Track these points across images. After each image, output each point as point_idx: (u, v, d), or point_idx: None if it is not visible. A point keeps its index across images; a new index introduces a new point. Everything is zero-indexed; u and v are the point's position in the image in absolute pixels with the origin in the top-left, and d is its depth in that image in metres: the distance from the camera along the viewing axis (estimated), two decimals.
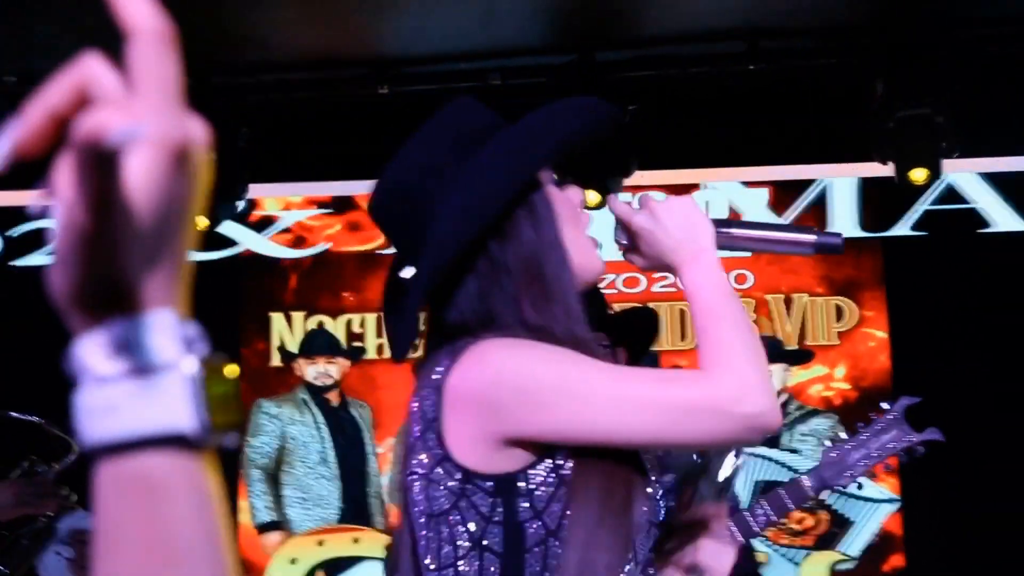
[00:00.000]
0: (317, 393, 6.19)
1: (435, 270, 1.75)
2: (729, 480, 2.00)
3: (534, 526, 1.71)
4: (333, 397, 6.19)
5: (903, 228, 6.08)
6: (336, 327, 6.23)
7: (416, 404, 1.79)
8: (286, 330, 6.24)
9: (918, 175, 5.46)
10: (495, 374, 1.70)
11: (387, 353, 6.02)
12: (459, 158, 1.76)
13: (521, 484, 1.71)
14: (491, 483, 1.71)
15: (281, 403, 6.17)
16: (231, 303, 6.16)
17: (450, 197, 1.73)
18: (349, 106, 5.77)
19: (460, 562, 1.72)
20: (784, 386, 6.13)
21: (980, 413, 5.39)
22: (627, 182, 5.66)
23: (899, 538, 5.96)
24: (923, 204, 6.06)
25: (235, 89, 5.66)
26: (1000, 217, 6.03)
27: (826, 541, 6.04)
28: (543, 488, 1.71)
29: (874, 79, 5.43)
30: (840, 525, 6.03)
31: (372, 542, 6.02)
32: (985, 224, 6.03)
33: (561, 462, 1.71)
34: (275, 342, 6.25)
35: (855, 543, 6.04)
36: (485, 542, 1.72)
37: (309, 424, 6.17)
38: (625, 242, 1.91)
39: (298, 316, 6.23)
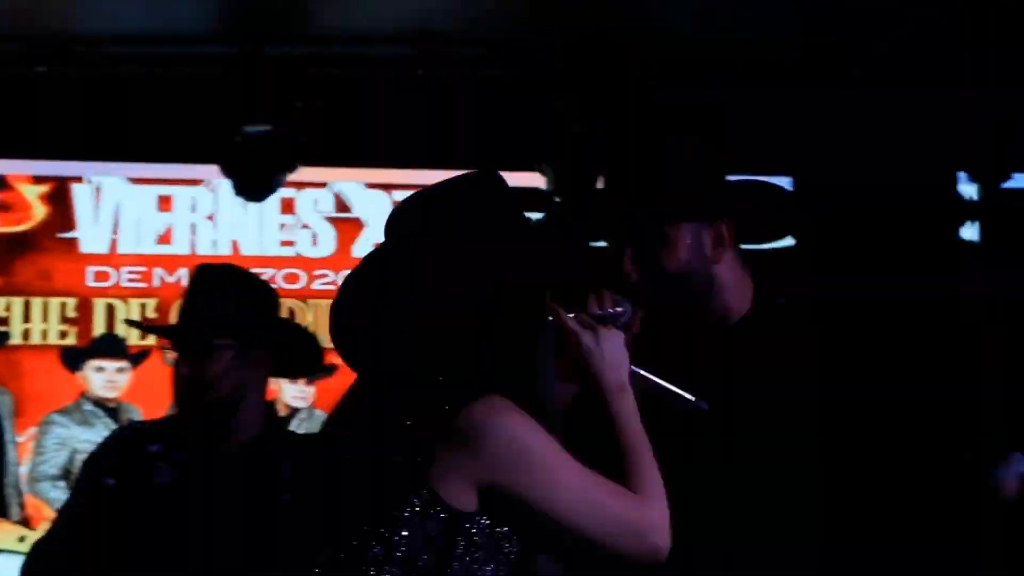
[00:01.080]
0: None
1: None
2: None
3: (456, 565, 1.97)
4: None
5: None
6: None
7: (394, 423, 2.02)
8: None
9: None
10: (506, 429, 1.96)
11: (33, 339, 6.00)
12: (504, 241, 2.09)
13: (467, 525, 1.97)
14: (446, 514, 1.95)
15: None
16: None
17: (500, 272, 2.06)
18: (3, 82, 5.62)
19: (386, 566, 1.97)
20: None
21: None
22: (290, 177, 5.75)
23: None
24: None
25: None
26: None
27: None
28: (477, 536, 1.98)
29: (550, 93, 5.63)
30: None
31: (5, 534, 5.85)
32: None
33: (495, 521, 1.99)
34: None
35: None
36: (419, 562, 1.96)
37: None
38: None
39: None
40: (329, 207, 6.36)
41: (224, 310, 3.06)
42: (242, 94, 5.53)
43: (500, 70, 5.69)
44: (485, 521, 1.99)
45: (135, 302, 6.05)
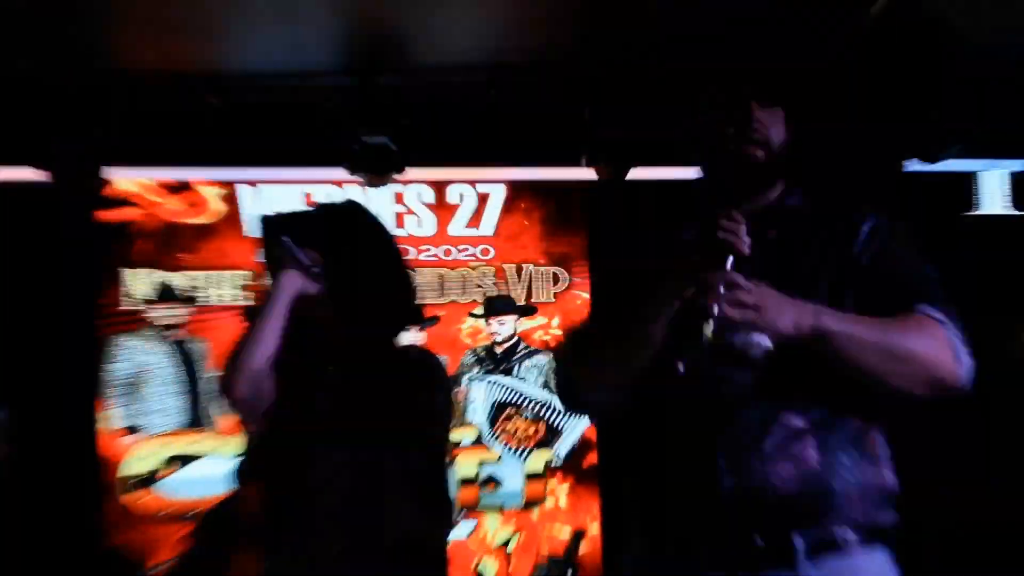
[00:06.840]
0: (165, 329, 6.60)
1: None
2: None
3: None
4: (178, 333, 6.61)
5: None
6: (179, 280, 6.64)
7: None
8: (136, 281, 6.60)
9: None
10: None
11: (214, 301, 6.63)
12: None
13: None
14: None
15: (135, 337, 6.57)
16: (87, 262, 6.49)
17: None
18: (188, 110, 6.13)
19: None
20: (516, 332, 6.86)
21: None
22: (401, 176, 6.35)
23: (594, 442, 6.81)
24: None
25: (95, 92, 6.05)
26: None
27: (544, 443, 6.82)
28: None
29: (582, 105, 6.16)
30: (553, 433, 6.83)
31: (211, 441, 6.45)
32: None
33: None
34: (128, 291, 6.58)
35: (564, 445, 6.86)
36: None
37: (160, 353, 6.55)
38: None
39: (144, 271, 6.60)
40: (430, 198, 6.94)
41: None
42: (361, 113, 6.01)
43: (546, 92, 6.13)
44: None
45: None
